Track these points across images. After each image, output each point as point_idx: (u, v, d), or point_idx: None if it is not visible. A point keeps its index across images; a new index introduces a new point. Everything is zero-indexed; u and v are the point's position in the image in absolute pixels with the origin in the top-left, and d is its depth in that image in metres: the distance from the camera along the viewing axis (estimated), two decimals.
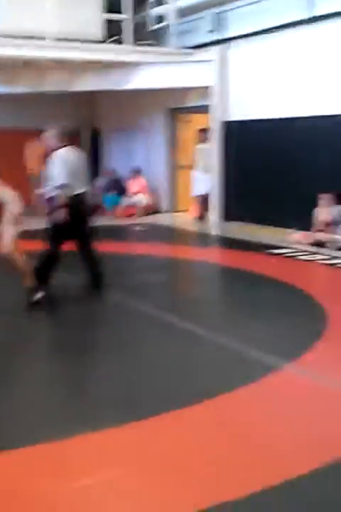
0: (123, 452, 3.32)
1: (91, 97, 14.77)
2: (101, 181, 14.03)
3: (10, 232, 6.04)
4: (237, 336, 5.20)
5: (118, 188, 13.78)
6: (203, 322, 5.64)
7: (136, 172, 13.54)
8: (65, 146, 6.64)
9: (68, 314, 6.07)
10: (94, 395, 4.12)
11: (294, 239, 9.41)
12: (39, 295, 6.14)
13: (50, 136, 6.75)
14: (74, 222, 6.39)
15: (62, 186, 6.30)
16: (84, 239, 6.63)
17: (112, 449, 3.35)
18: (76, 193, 6.45)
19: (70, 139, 6.96)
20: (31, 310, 6.01)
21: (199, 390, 4.08)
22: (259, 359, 4.65)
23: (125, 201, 13.34)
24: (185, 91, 12.32)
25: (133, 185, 13.48)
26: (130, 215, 12.96)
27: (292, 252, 8.75)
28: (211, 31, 11.79)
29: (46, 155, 6.86)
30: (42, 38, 11.03)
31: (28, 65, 12.06)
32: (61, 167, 6.39)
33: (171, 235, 11.50)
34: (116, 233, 11.40)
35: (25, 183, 12.90)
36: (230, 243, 10.04)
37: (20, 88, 12.37)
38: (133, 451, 3.32)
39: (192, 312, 6.08)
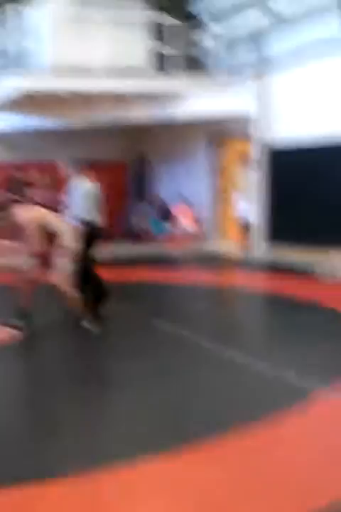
0: (172, 480, 3.38)
1: (139, 126, 15.16)
2: (147, 209, 14.35)
3: (64, 264, 6.14)
4: (279, 361, 5.29)
5: (165, 215, 14.07)
6: (246, 348, 5.72)
7: (182, 199, 13.82)
8: (82, 176, 6.89)
9: (116, 343, 6.11)
10: (143, 420, 4.18)
11: (337, 263, 9.50)
12: (91, 323, 6.24)
13: (68, 166, 7.07)
14: (86, 248, 6.62)
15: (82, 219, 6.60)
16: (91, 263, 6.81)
17: (162, 478, 3.42)
18: (92, 222, 6.73)
19: (92, 168, 7.18)
20: (83, 336, 6.12)
21: (241, 416, 4.16)
22: (300, 384, 4.73)
23: (171, 228, 13.61)
24: (228, 119, 12.56)
25: (179, 213, 13.78)
26: (176, 243, 13.23)
27: (334, 277, 8.83)
28: (254, 61, 12.09)
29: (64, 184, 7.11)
30: (93, 71, 11.49)
31: (78, 98, 12.51)
32: (82, 199, 6.72)
33: (216, 261, 11.67)
34: (162, 260, 11.63)
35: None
36: (274, 268, 10.18)
37: (70, 121, 12.84)
38: (183, 479, 3.38)
39: (236, 339, 6.18)
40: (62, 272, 6.14)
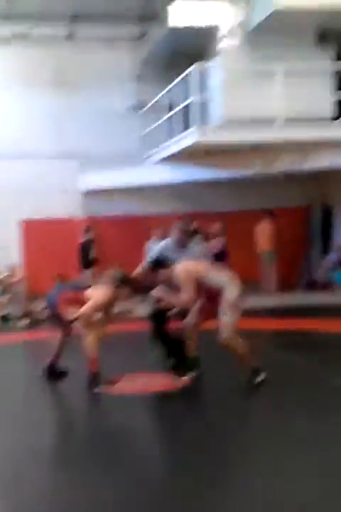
0: None
1: (320, 174, 14.88)
2: (332, 257, 13.93)
3: (227, 318, 5.97)
4: None
5: None
6: None
7: None
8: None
9: (285, 397, 5.87)
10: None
11: None
12: (261, 377, 6.05)
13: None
14: None
15: None
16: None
17: None
18: None
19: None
20: (253, 391, 5.93)
21: None
22: None
23: None
24: None
25: None
26: None
27: None
28: None
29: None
30: (272, 121, 11.52)
31: (257, 149, 12.60)
32: None
33: None
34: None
35: (254, 262, 13.44)
36: None
37: (249, 172, 12.94)
38: None
39: None
40: (228, 327, 5.96)
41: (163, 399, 6.12)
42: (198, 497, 3.83)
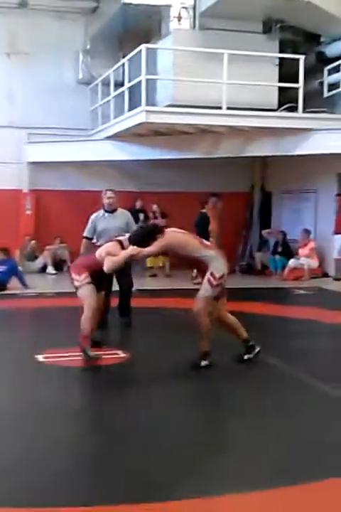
0: None
1: (262, 161, 15.21)
2: (268, 242, 14.34)
3: (203, 292, 5.98)
4: None
5: (286, 249, 13.93)
6: None
7: (305, 234, 13.62)
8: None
9: (223, 377, 6.06)
10: (241, 456, 4.23)
11: None
12: (205, 362, 6.09)
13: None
14: None
15: None
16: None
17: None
18: None
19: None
20: (194, 371, 6.05)
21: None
22: None
23: (292, 263, 13.43)
24: None
25: (302, 247, 13.56)
26: (296, 278, 13.03)
27: None
28: None
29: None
30: (218, 107, 11.72)
31: (204, 133, 12.81)
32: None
33: (337, 300, 11.36)
34: (280, 296, 11.52)
35: None
36: None
37: (196, 154, 13.15)
38: None
39: None
40: (202, 300, 5.97)
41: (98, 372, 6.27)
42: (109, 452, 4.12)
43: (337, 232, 13.07)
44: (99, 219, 7.80)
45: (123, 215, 7.95)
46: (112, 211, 7.86)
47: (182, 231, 6.16)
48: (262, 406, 5.33)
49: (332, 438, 4.55)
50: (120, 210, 8.02)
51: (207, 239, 12.31)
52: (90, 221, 7.87)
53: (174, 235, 6.08)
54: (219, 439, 4.63)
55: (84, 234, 7.87)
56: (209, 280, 5.93)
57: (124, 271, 7.05)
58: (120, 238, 6.37)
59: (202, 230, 12.02)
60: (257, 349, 6.32)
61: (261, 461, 4.14)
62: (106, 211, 7.88)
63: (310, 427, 4.78)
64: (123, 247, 6.16)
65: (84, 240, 7.83)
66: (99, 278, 6.34)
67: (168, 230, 6.15)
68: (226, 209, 13.01)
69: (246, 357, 6.31)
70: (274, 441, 4.51)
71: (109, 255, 6.09)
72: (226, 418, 5.11)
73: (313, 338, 8.00)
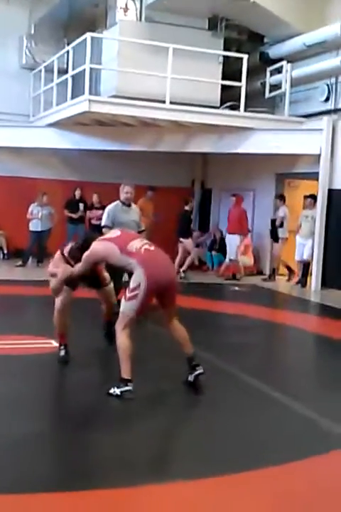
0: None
1: (203, 157, 15.35)
2: (205, 238, 14.50)
3: (121, 308, 5.36)
4: (317, 404, 5.26)
5: (222, 246, 14.10)
6: (287, 388, 5.68)
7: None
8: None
9: (153, 369, 6.06)
10: (168, 449, 4.33)
11: None
12: (126, 388, 5.22)
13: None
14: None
15: None
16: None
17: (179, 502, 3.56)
18: None
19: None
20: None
21: (268, 457, 4.17)
22: (333, 430, 4.70)
23: (227, 260, 13.60)
24: (294, 157, 12.54)
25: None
26: (231, 274, 13.20)
27: None
28: (324, 101, 12.07)
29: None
30: (162, 101, 11.76)
31: (147, 126, 12.82)
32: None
33: (269, 297, 11.61)
34: (214, 291, 11.65)
35: None
36: (328, 311, 10.06)
37: (138, 147, 13.15)
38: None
39: (276, 377, 6.15)
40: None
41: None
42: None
43: (231, 232, 13.19)
44: (118, 210, 8.00)
45: (136, 210, 8.36)
46: (129, 205, 8.15)
47: (117, 235, 5.65)
48: (192, 399, 5.38)
49: (255, 432, 4.65)
50: (133, 205, 8.34)
51: (189, 237, 12.46)
52: (108, 211, 8.04)
53: (97, 247, 5.61)
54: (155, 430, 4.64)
55: (104, 223, 7.95)
56: (124, 295, 5.39)
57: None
58: (64, 251, 6.20)
59: (183, 227, 12.13)
60: (199, 371, 5.60)
61: (183, 452, 4.20)
62: (123, 204, 8.08)
63: (236, 420, 4.87)
64: (67, 261, 6.04)
65: (105, 230, 7.67)
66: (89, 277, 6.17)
67: (98, 239, 5.72)
68: (165, 203, 13.09)
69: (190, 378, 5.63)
70: (198, 432, 4.58)
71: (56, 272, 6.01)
72: (158, 412, 5.10)
73: (242, 333, 8.14)
